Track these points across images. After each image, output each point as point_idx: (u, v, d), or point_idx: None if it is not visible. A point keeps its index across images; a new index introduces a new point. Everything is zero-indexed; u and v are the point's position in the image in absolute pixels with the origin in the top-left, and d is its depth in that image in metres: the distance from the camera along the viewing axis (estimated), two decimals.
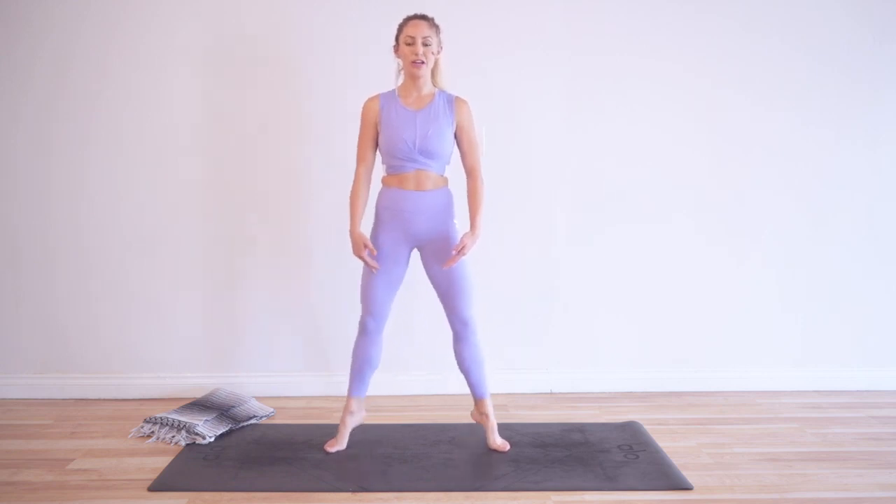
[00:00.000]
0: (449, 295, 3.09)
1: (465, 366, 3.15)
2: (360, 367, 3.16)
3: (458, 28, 3.60)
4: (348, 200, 3.11)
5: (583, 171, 3.87)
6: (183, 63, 3.75)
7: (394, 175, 3.07)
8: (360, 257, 3.04)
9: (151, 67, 3.75)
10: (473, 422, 3.30)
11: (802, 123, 3.89)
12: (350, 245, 3.08)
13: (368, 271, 3.07)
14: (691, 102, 3.86)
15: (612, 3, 3.80)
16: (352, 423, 3.19)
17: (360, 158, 3.11)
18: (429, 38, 2.98)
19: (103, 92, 3.74)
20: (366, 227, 3.14)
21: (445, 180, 3.10)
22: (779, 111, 3.88)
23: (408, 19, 3.03)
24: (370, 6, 3.74)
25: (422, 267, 3.15)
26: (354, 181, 3.10)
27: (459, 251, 2.97)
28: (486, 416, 3.18)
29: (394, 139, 3.01)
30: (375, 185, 3.17)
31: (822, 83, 3.87)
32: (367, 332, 3.14)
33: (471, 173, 3.11)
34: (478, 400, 3.19)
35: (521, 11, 3.79)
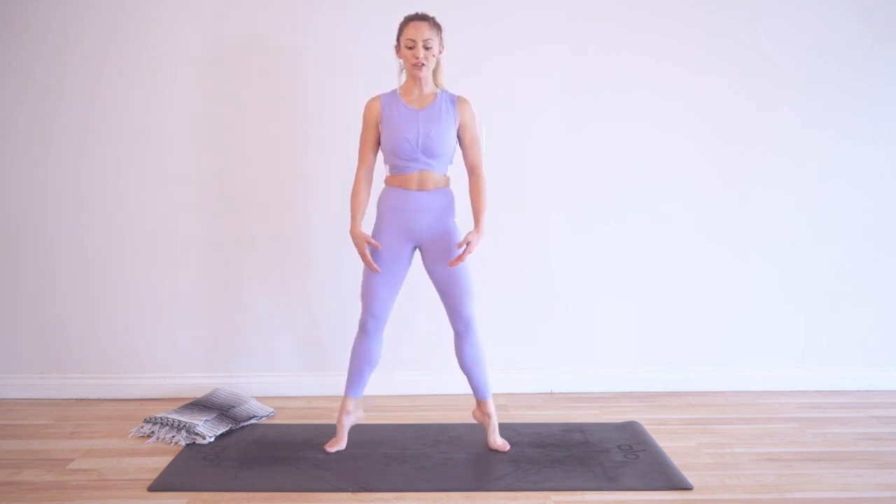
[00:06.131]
0: (450, 294, 3.09)
1: (466, 365, 3.14)
2: (360, 366, 3.16)
3: (457, 27, 3.60)
4: (349, 201, 3.11)
5: (583, 170, 3.87)
6: (183, 63, 3.75)
7: (397, 175, 3.06)
8: (363, 255, 3.03)
9: (151, 67, 3.74)
10: (475, 421, 3.29)
11: (803, 122, 3.89)
12: (351, 245, 3.08)
13: (369, 271, 3.07)
14: (691, 101, 3.85)
15: (612, 2, 3.80)
16: (348, 422, 3.19)
17: (361, 159, 3.11)
18: (430, 41, 2.97)
19: (103, 92, 3.74)
20: (367, 228, 3.13)
21: (447, 180, 3.10)
22: (779, 109, 3.88)
23: (408, 20, 3.01)
24: (369, 4, 3.74)
25: (422, 267, 3.15)
26: (355, 182, 3.10)
27: (465, 250, 2.96)
28: (489, 416, 3.17)
29: (396, 138, 3.00)
30: (377, 186, 3.17)
31: (823, 81, 3.87)
32: (366, 332, 3.13)
33: (473, 171, 3.11)
34: (480, 401, 3.19)
35: (520, 10, 3.78)
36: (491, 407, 3.18)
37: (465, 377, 3.20)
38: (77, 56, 3.72)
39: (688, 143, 3.88)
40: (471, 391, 3.23)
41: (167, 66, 3.75)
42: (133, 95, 3.75)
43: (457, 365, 3.19)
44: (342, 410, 3.18)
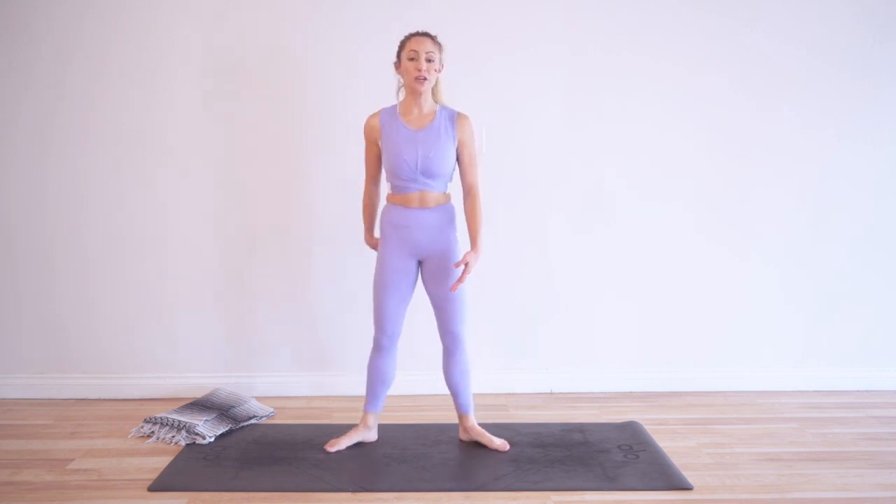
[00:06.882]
0: (445, 311, 3.11)
1: (453, 381, 3.18)
2: (374, 384, 3.18)
3: (457, 27, 3.61)
4: (360, 209, 3.25)
5: (582, 171, 3.87)
6: (183, 63, 3.75)
7: (398, 194, 3.09)
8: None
9: (151, 67, 3.74)
10: (465, 441, 3.24)
11: (803, 122, 3.89)
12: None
13: (380, 290, 3.09)
14: (691, 101, 3.85)
15: (612, 2, 3.79)
16: (363, 436, 3.20)
17: (366, 174, 3.21)
18: (432, 54, 2.99)
19: (103, 92, 3.74)
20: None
21: (448, 197, 3.12)
22: (779, 109, 3.88)
23: (410, 36, 3.04)
24: (369, 9, 3.74)
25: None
26: (364, 194, 3.22)
27: (464, 271, 2.97)
28: (473, 429, 3.19)
29: (396, 160, 3.02)
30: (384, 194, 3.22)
31: (823, 81, 3.87)
32: (380, 349, 3.16)
33: (469, 191, 3.11)
34: (462, 415, 3.21)
35: (520, 10, 3.78)
36: (472, 420, 3.21)
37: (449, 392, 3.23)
38: (77, 56, 3.72)
39: (688, 143, 3.88)
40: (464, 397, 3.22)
41: (167, 66, 3.75)
42: (133, 95, 3.75)
43: (444, 380, 3.21)
44: (362, 423, 3.20)
